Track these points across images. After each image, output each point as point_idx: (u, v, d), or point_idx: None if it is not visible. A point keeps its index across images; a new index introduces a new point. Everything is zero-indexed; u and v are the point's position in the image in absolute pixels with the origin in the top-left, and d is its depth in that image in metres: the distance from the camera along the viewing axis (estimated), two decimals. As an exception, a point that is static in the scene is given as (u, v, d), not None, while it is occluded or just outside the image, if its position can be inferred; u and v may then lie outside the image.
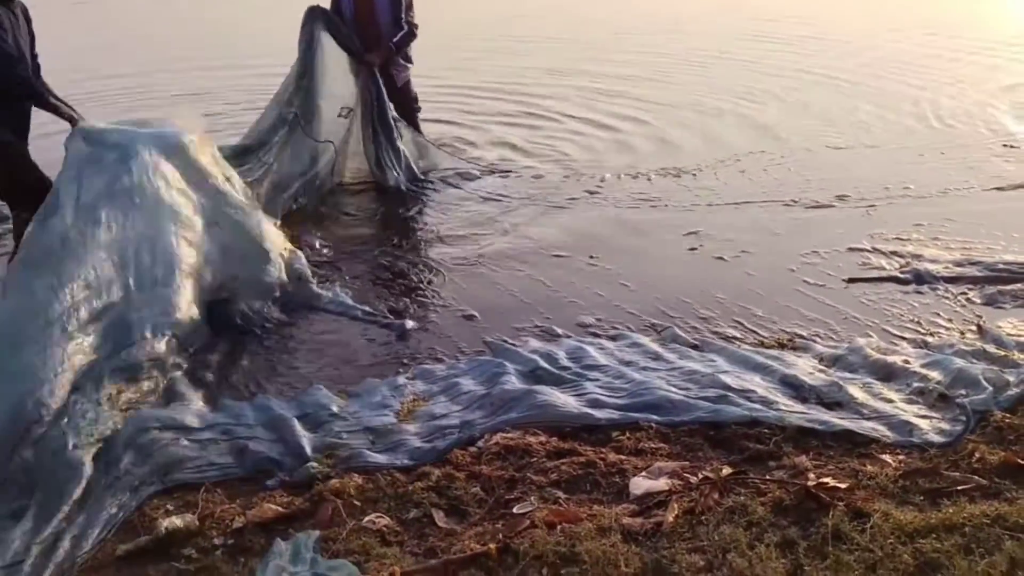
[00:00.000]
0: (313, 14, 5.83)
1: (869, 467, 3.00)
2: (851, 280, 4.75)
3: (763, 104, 9.11)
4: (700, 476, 2.94)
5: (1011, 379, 3.52)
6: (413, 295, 4.74)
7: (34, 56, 4.60)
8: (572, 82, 10.36)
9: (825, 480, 2.85)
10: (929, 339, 4.06)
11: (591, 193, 6.44)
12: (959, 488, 2.84)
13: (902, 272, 4.82)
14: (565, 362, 3.85)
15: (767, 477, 2.93)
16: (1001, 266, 4.86)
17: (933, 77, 10.23)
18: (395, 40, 6.09)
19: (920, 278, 4.74)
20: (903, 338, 4.09)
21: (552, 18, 16.71)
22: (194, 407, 3.55)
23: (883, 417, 3.35)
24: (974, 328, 4.21)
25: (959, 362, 3.69)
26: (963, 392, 3.45)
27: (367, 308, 4.49)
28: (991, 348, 3.91)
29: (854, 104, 8.95)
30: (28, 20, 4.54)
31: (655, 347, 4.03)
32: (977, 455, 3.02)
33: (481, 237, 5.59)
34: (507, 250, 5.37)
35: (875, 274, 4.82)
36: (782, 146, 7.50)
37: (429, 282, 4.90)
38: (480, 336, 4.23)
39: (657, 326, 4.29)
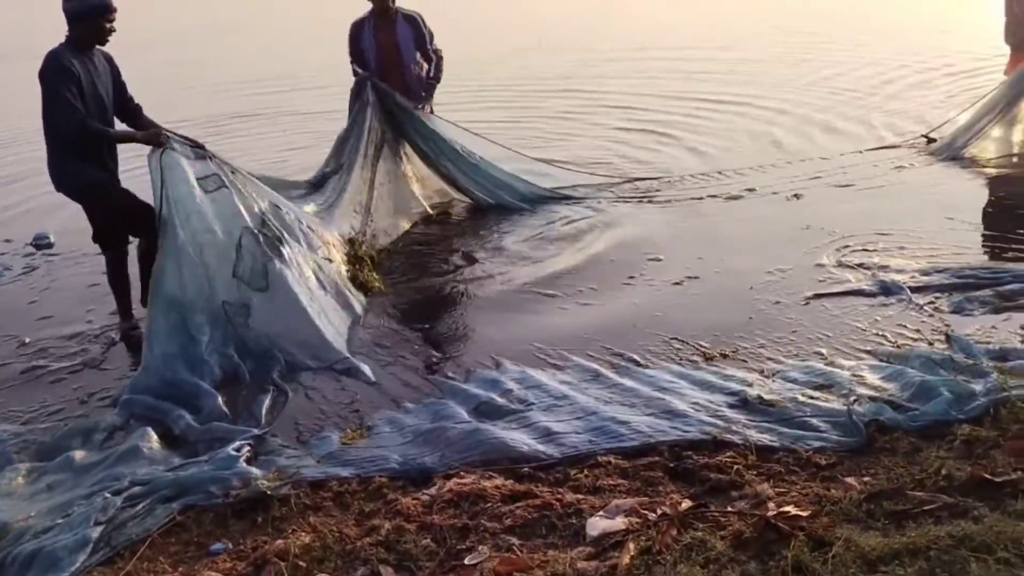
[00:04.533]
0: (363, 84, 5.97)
1: (833, 491, 2.90)
2: (816, 296, 4.67)
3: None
4: (659, 512, 2.83)
5: (978, 388, 3.45)
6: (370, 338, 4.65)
7: (128, 99, 4.69)
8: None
9: (786, 509, 2.74)
10: (893, 350, 3.99)
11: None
12: (925, 508, 2.74)
13: (868, 284, 4.75)
14: (515, 392, 3.82)
15: (727, 509, 2.83)
16: (968, 272, 4.79)
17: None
18: (431, 75, 6.13)
19: (887, 289, 4.66)
20: (867, 351, 4.01)
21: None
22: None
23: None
24: (943, 337, 4.13)
25: (916, 373, 3.65)
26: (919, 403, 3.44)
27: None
28: (960, 357, 3.84)
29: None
30: (113, 68, 4.58)
31: (608, 372, 3.98)
32: (944, 471, 2.93)
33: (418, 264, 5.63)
34: (444, 278, 5.42)
35: (841, 288, 4.74)
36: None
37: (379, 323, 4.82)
38: (432, 374, 4.18)
39: (611, 350, 4.21)
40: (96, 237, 4.77)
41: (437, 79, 6.24)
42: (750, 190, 6.66)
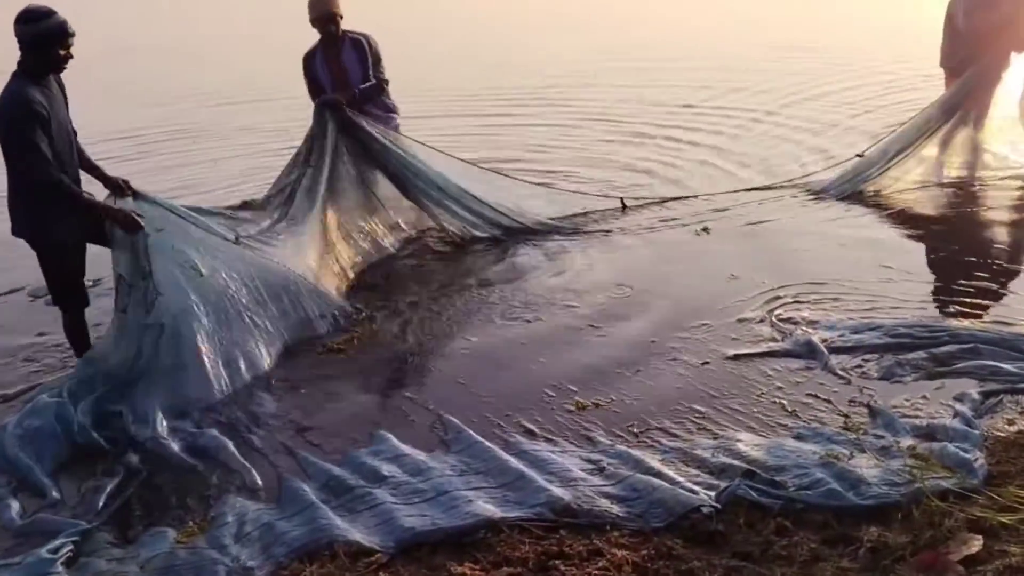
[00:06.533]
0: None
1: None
2: (735, 356, 4.28)
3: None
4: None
5: (873, 475, 3.11)
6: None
7: (74, 132, 4.35)
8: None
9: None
10: (793, 423, 3.69)
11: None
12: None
13: (794, 344, 4.36)
14: (375, 468, 3.48)
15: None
16: (902, 330, 4.40)
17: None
18: (361, 87, 5.80)
19: (812, 350, 4.27)
20: (776, 424, 3.67)
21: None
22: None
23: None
24: (865, 409, 3.75)
25: (791, 451, 3.38)
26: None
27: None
28: (874, 436, 3.49)
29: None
30: (65, 94, 4.26)
31: (472, 433, 3.68)
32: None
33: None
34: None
35: (763, 348, 4.35)
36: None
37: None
38: (299, 447, 3.78)
39: (493, 407, 3.94)
40: (56, 300, 4.43)
41: (364, 93, 5.84)
42: (663, 221, 6.38)
